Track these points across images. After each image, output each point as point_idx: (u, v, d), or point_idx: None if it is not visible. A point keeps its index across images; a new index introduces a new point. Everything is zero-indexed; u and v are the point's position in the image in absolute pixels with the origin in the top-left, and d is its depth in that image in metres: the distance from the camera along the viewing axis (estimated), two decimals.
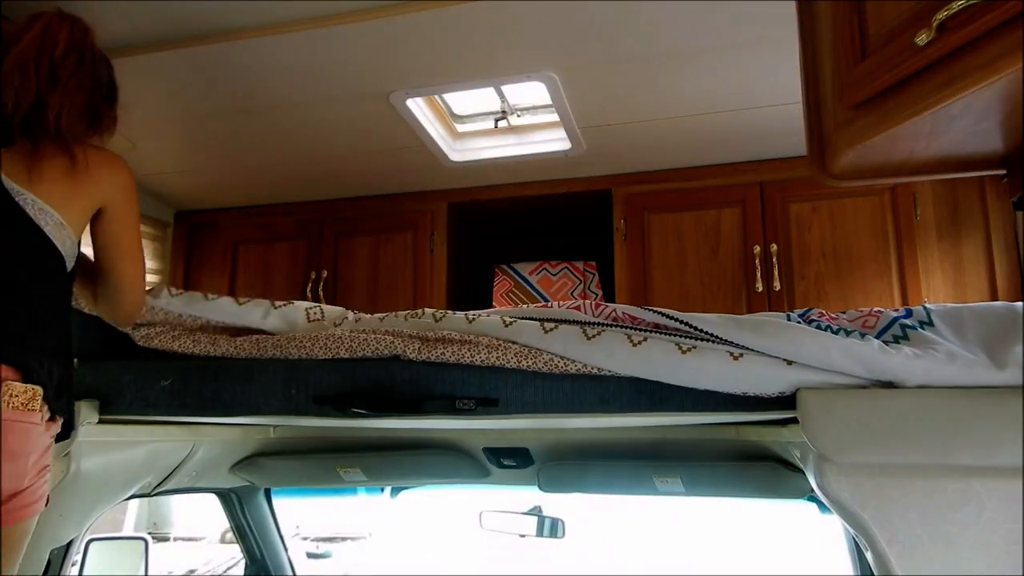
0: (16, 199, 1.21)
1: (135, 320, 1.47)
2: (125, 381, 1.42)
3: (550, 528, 2.35)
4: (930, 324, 1.14)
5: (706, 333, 1.20)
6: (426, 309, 1.44)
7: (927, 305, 1.20)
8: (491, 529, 2.42)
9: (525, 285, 2.85)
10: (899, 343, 1.13)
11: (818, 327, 1.19)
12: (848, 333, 1.17)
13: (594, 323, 1.28)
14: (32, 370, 1.16)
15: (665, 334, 1.23)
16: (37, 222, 1.23)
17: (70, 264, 1.30)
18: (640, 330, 1.25)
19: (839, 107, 1.15)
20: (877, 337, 1.16)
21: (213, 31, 1.85)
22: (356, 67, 1.98)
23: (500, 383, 1.25)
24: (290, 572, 2.46)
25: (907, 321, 1.17)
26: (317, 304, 1.56)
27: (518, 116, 2.45)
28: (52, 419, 1.21)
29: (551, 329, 1.26)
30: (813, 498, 1.71)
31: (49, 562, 1.56)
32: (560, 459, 1.78)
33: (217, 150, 2.53)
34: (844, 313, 1.31)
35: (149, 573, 2.23)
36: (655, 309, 1.30)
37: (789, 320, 1.27)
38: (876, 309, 1.27)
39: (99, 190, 1.33)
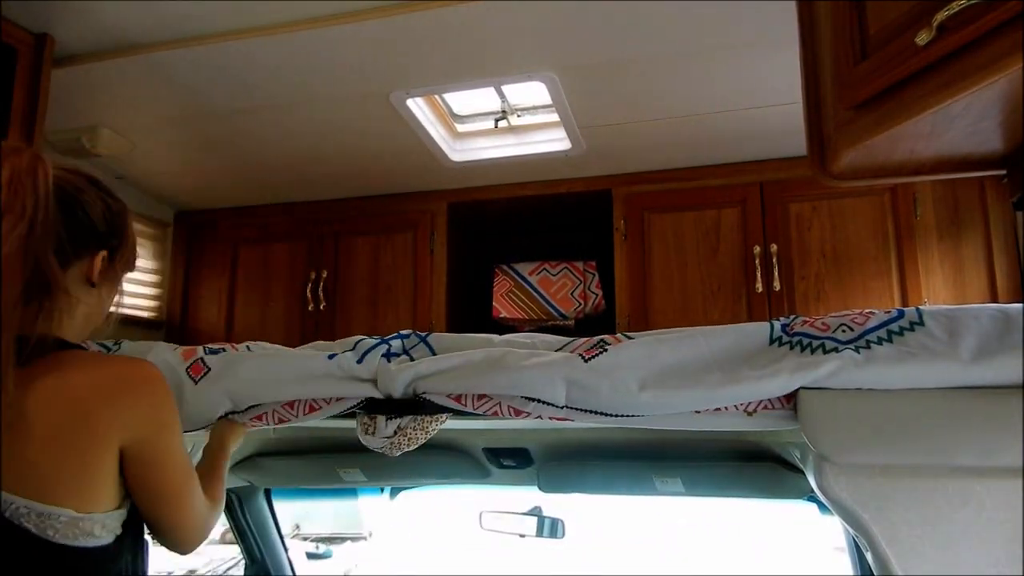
0: None
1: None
2: None
3: (550, 528, 2.35)
4: (921, 324, 1.13)
5: None
6: None
7: (921, 307, 1.19)
8: (491, 529, 2.42)
9: (525, 285, 2.85)
10: (882, 345, 1.12)
11: (801, 341, 1.17)
12: (821, 345, 1.15)
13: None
14: None
15: None
16: None
17: None
18: None
19: (839, 107, 1.15)
20: (860, 338, 1.15)
21: (212, 31, 1.85)
22: (356, 67, 1.98)
23: None
24: (290, 572, 2.46)
25: (894, 325, 1.16)
26: None
27: (518, 116, 2.45)
28: None
29: None
30: (813, 498, 1.71)
31: None
32: (560, 459, 1.78)
33: (217, 150, 2.53)
34: (832, 315, 1.28)
35: (149, 573, 2.22)
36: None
37: (772, 331, 1.24)
38: (868, 310, 1.26)
39: None
